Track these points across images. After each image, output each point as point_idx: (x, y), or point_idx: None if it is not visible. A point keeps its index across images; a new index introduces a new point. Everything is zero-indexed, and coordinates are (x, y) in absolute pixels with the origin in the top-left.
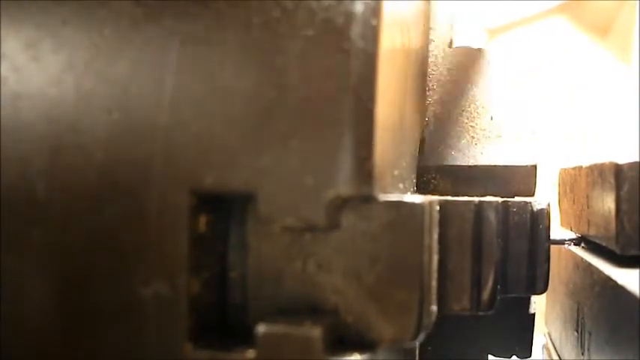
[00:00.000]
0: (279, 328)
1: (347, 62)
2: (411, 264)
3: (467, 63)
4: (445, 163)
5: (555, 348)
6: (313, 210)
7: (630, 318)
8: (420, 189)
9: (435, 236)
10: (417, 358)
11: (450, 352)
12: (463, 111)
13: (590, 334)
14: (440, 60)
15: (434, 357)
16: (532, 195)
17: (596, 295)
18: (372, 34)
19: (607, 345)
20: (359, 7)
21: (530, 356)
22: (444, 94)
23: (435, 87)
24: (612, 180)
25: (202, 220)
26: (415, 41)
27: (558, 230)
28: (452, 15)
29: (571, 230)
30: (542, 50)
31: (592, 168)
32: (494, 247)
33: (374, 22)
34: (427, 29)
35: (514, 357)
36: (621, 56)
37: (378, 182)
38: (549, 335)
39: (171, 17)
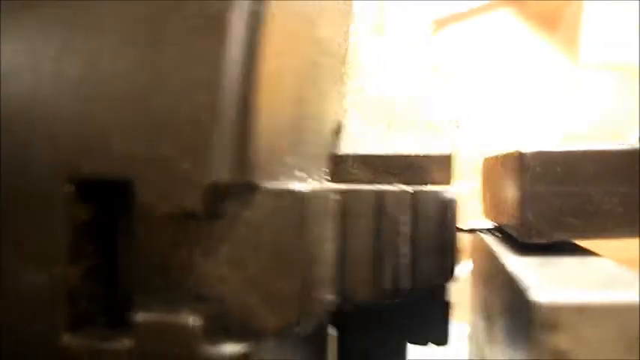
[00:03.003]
0: (156, 317)
1: (226, 50)
2: (294, 253)
3: (388, 50)
4: (362, 152)
5: (476, 337)
6: (190, 197)
7: (519, 308)
8: (338, 178)
9: (329, 225)
10: (329, 346)
11: (369, 341)
12: (382, 99)
13: (494, 323)
14: (361, 48)
15: (352, 346)
16: (449, 184)
17: (499, 284)
18: (255, 22)
19: (506, 334)
20: None
21: (446, 344)
22: (364, 82)
23: (355, 75)
24: (516, 168)
25: (83, 209)
26: (327, 29)
27: (481, 219)
28: (377, 4)
29: (489, 219)
30: (488, 43)
31: (504, 157)
32: (395, 236)
33: (257, 9)
34: (347, 17)
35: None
36: (568, 52)
37: (262, 170)
38: (471, 324)
39: (55, 5)
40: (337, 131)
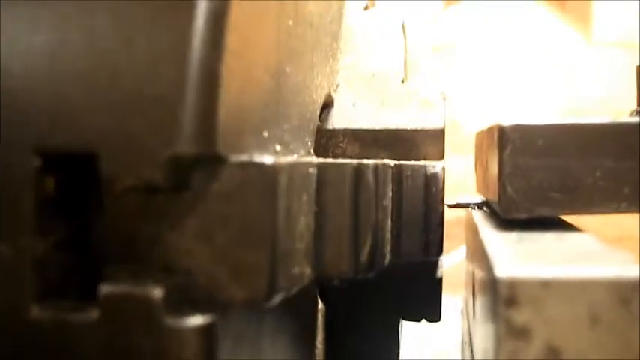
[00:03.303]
0: (121, 288)
1: (192, 23)
2: (262, 225)
3: (381, 27)
4: (353, 126)
5: (466, 311)
6: (152, 169)
7: (489, 283)
8: (329, 153)
9: (305, 198)
10: (319, 320)
11: (362, 317)
12: (374, 75)
13: (476, 298)
14: (354, 24)
15: (344, 322)
16: (441, 159)
17: (479, 260)
18: None
19: (482, 309)
20: None
21: (439, 320)
22: (357, 58)
23: (348, 50)
24: (496, 142)
25: (50, 182)
26: (316, 4)
27: (473, 194)
28: None
29: (480, 194)
30: (498, 19)
31: (488, 130)
32: (372, 210)
33: None
34: None
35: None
36: (580, 29)
37: (229, 142)
38: (464, 299)
39: None
40: (328, 106)
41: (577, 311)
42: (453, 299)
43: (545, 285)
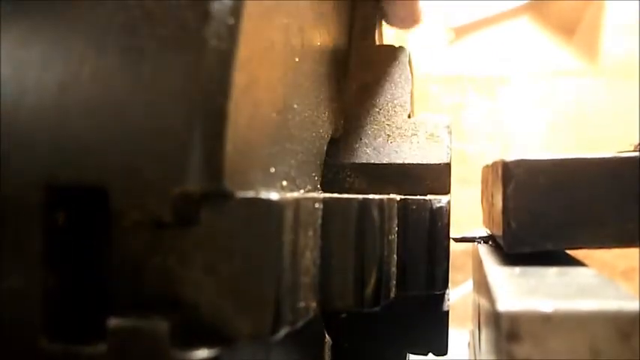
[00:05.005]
0: (128, 322)
1: (199, 61)
2: (268, 260)
3: (387, 61)
4: (360, 161)
5: (473, 345)
6: (159, 205)
7: (492, 318)
8: (335, 187)
9: (310, 233)
10: (326, 354)
11: (368, 351)
12: (381, 109)
13: (481, 331)
14: (360, 57)
15: (351, 355)
16: (447, 193)
17: (483, 294)
18: (228, 33)
19: (485, 343)
20: (216, 6)
21: (446, 353)
22: (363, 92)
23: (354, 85)
24: (500, 177)
25: (60, 215)
26: (317, 39)
27: (480, 228)
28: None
29: (487, 227)
30: (508, 50)
31: (493, 165)
32: (377, 244)
33: (230, 21)
34: (345, 27)
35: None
36: (588, 57)
37: (236, 179)
38: (470, 332)
39: (38, 16)
40: (336, 140)
41: (577, 346)
42: (461, 332)
43: (546, 319)
